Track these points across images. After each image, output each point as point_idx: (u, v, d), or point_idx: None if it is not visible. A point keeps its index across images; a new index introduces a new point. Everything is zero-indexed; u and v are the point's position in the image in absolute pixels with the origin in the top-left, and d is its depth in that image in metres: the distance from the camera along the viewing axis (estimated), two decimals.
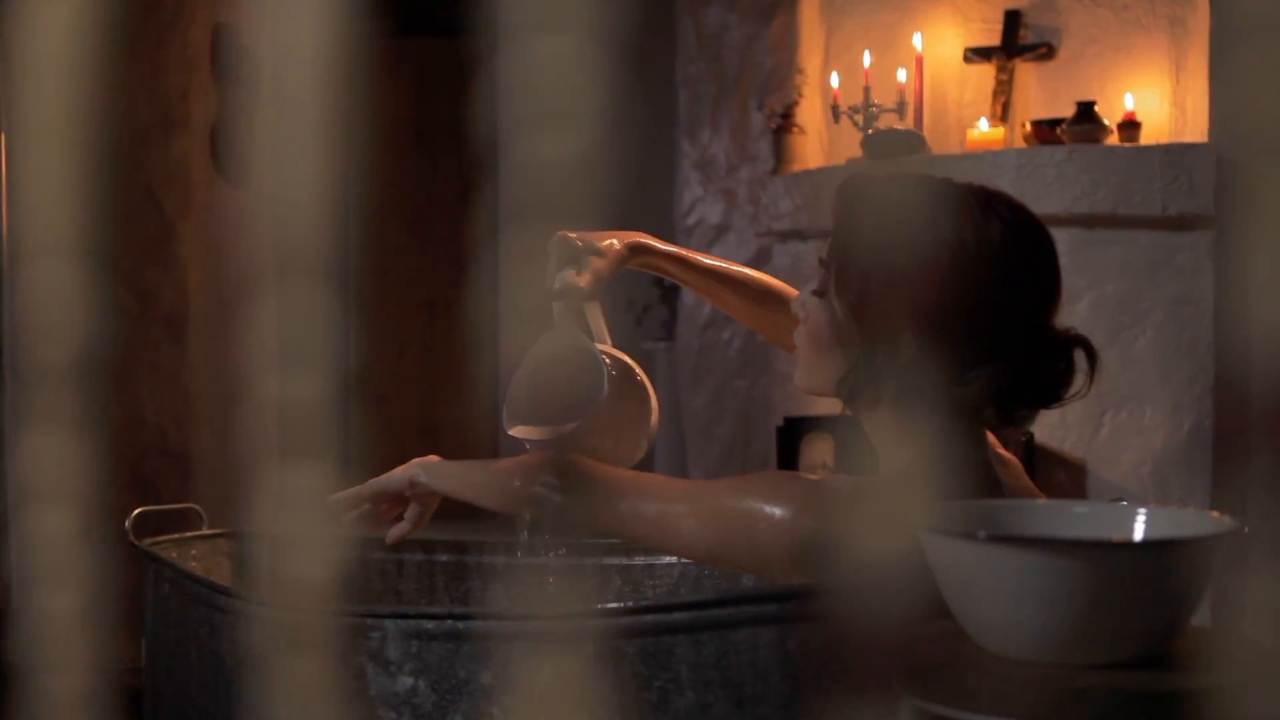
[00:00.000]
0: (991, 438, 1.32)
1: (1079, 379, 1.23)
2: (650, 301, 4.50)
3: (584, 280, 1.41)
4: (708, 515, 1.22)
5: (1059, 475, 3.13)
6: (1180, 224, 3.03)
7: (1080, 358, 1.23)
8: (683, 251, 1.52)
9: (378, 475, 1.49)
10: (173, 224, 3.46)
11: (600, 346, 1.44)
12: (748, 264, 4.46)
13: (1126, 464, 3.10)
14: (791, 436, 3.34)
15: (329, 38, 0.46)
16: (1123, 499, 1.10)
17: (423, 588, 1.83)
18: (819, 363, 1.29)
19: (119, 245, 3.19)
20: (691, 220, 4.19)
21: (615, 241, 1.44)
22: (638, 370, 1.45)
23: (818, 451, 3.35)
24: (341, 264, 0.50)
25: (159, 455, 3.49)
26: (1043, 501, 1.12)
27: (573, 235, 1.42)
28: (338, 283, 0.50)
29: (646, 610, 1.14)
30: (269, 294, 0.49)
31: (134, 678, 3.01)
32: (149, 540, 1.60)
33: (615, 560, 1.73)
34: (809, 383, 1.31)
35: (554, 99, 0.43)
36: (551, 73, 0.43)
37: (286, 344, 0.49)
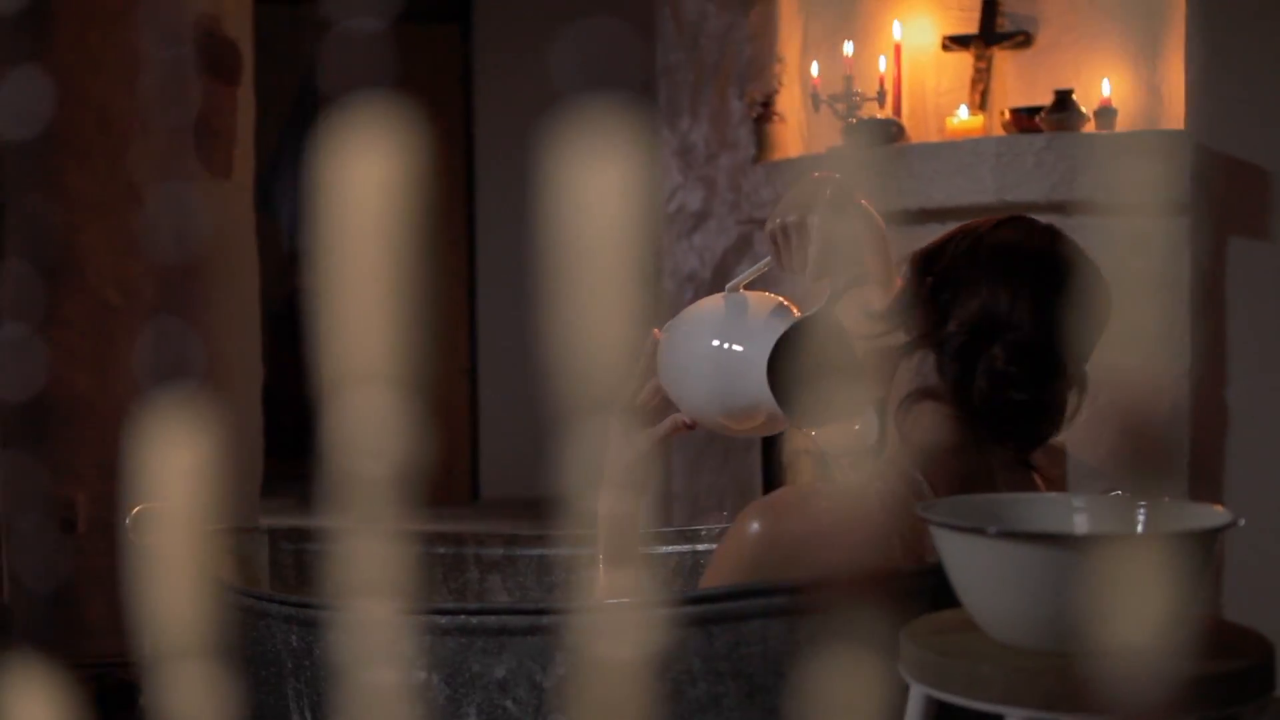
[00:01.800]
0: None
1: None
2: None
3: None
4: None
5: (1037, 457, 3.16)
6: (1157, 210, 3.07)
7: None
8: None
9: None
10: None
11: None
12: (728, 251, 4.39)
13: (1106, 447, 3.14)
14: None
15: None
16: (1117, 490, 1.13)
17: (420, 580, 1.85)
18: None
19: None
20: (672, 207, 4.22)
21: None
22: None
23: (800, 438, 3.37)
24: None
25: None
26: (1043, 495, 1.15)
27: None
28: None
29: (659, 604, 1.16)
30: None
31: (127, 673, 3.01)
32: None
33: None
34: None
35: None
36: None
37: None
